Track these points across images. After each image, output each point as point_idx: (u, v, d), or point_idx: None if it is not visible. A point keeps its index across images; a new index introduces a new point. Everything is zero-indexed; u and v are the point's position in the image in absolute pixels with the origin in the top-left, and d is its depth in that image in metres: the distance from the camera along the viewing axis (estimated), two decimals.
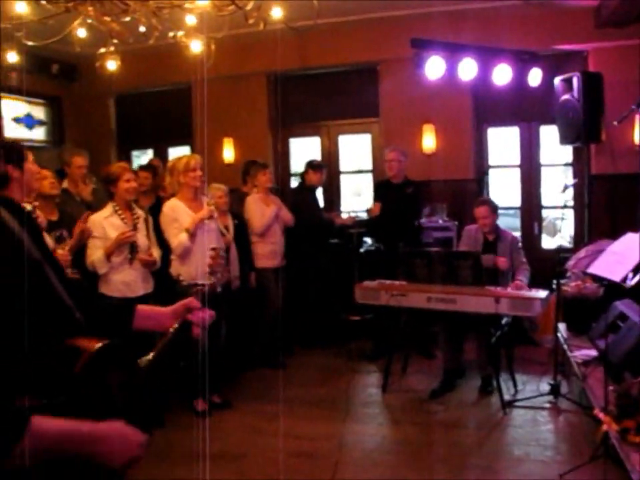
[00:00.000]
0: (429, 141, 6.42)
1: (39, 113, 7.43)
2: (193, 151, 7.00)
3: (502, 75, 5.53)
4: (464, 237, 5.04)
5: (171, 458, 3.71)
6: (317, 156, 6.91)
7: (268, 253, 5.36)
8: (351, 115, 6.94)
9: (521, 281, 4.57)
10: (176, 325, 1.65)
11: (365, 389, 4.93)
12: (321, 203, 6.38)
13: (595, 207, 5.68)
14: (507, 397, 4.37)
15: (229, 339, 4.72)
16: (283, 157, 7.25)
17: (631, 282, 3.27)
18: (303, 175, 5.98)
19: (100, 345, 1.38)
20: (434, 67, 5.45)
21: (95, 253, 3.88)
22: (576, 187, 5.66)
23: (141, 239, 4.05)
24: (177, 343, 1.63)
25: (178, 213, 4.26)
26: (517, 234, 6.44)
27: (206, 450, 3.73)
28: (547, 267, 5.90)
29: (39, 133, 7.42)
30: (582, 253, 4.92)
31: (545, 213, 6.72)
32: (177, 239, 4.19)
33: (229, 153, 7.07)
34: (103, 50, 4.01)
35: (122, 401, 1.44)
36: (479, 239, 4.88)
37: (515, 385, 4.62)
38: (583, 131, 5.18)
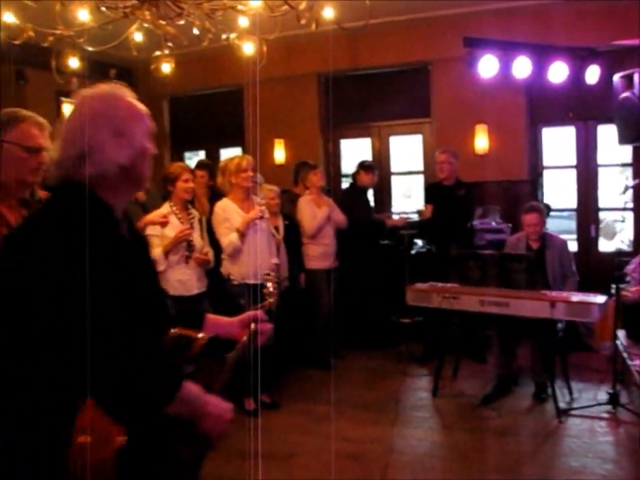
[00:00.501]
0: (481, 141, 6.31)
1: None
2: (244, 152, 7.07)
3: (558, 72, 5.40)
4: (506, 250, 4.89)
5: (220, 456, 3.74)
6: (367, 157, 6.88)
7: (319, 254, 5.36)
8: (402, 115, 6.88)
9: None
10: (250, 332, 1.83)
11: (414, 392, 4.87)
12: (372, 204, 6.34)
13: None
14: (562, 404, 4.24)
15: (278, 339, 4.73)
16: (333, 158, 7.25)
17: None
18: (354, 176, 5.96)
19: (208, 335, 1.66)
20: (487, 66, 5.36)
21: (153, 251, 3.96)
22: (636, 188, 5.46)
23: (196, 238, 4.12)
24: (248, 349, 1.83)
25: (229, 213, 4.31)
26: (572, 237, 6.27)
27: (256, 449, 3.76)
28: (605, 271, 5.72)
29: None
30: None
31: (602, 215, 6.50)
32: (228, 238, 4.24)
33: (280, 154, 7.12)
34: (157, 53, 4.08)
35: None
36: (521, 248, 4.74)
37: (571, 393, 4.47)
38: None
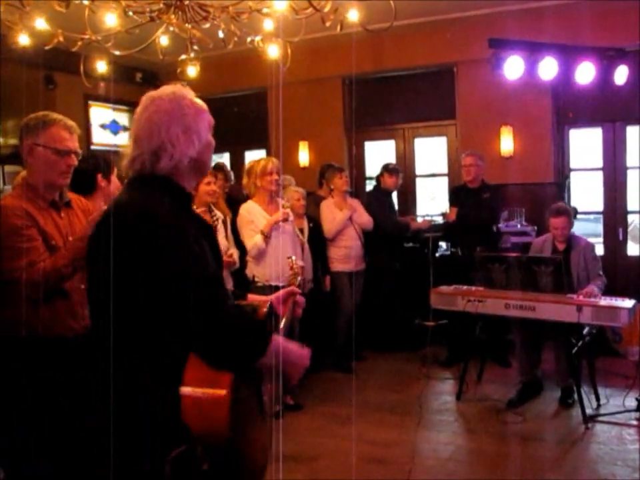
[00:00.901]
0: (507, 143, 6.25)
1: (123, 119, 7.77)
2: (268, 154, 7.10)
3: (585, 73, 5.32)
4: (531, 252, 4.83)
5: None
6: (391, 159, 6.86)
7: (341, 256, 5.36)
8: (427, 117, 6.85)
9: (592, 288, 4.32)
10: (291, 305, 2.06)
11: (438, 396, 4.83)
12: (396, 207, 6.32)
13: None
14: (589, 410, 4.16)
15: (301, 340, 4.74)
16: (357, 160, 7.25)
17: None
18: (378, 178, 5.95)
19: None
20: (513, 67, 5.31)
21: None
22: None
23: (221, 240, 4.14)
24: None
25: (254, 215, 4.33)
26: (599, 240, 6.17)
27: (279, 451, 3.77)
28: (633, 275, 5.63)
29: (123, 138, 7.75)
30: None
31: (630, 217, 6.39)
32: (252, 240, 4.26)
33: (304, 156, 7.13)
34: (183, 57, 4.12)
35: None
36: (547, 249, 4.67)
37: (598, 399, 4.40)
38: None
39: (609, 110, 6.04)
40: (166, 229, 1.54)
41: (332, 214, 5.35)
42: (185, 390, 1.51)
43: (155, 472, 1.54)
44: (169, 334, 1.52)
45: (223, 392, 1.50)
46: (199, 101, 1.83)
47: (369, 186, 6.93)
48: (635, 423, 4.06)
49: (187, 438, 1.53)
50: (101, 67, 3.78)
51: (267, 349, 1.58)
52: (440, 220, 5.95)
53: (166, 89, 1.76)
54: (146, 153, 1.66)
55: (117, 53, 3.59)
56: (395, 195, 6.24)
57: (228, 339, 1.52)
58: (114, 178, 3.06)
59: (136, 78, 7.46)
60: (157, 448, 1.55)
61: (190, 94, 1.81)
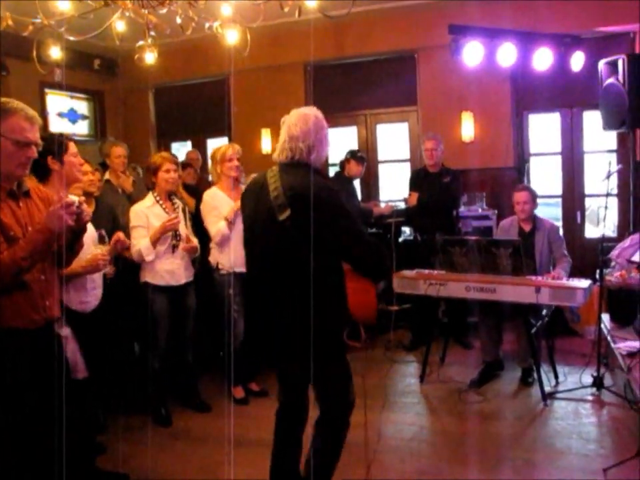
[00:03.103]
0: (467, 128, 6.33)
1: (82, 107, 7.61)
2: (230, 142, 7.05)
3: (543, 59, 5.41)
4: (498, 233, 4.95)
5: (209, 444, 3.78)
6: (354, 145, 6.88)
7: None
8: (389, 103, 6.89)
9: (560, 272, 4.45)
10: None
11: (403, 378, 4.90)
12: (358, 193, 6.35)
13: None
14: (547, 388, 4.29)
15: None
16: None
17: None
18: (342, 165, 5.94)
19: None
20: (472, 53, 5.36)
21: (140, 242, 3.94)
22: (620, 174, 5.50)
23: (181, 228, 4.11)
24: None
25: (218, 202, 4.31)
26: (559, 223, 6.30)
27: (245, 436, 3.78)
28: (590, 257, 5.78)
29: (81, 127, 7.60)
30: (627, 242, 4.80)
31: (588, 201, 6.55)
32: (216, 227, 4.24)
33: (266, 143, 7.10)
34: (141, 43, 4.06)
35: None
36: (513, 230, 4.77)
37: (556, 377, 4.53)
38: (629, 116, 5.00)
39: (567, 96, 6.16)
40: (337, 195, 2.53)
41: None
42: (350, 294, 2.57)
43: (338, 339, 2.68)
44: (339, 259, 2.57)
45: (372, 293, 3.08)
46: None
47: (332, 173, 6.93)
48: (590, 398, 4.20)
49: (353, 320, 2.76)
50: (55, 52, 3.68)
51: (391, 267, 2.68)
52: (402, 205, 6.00)
53: (313, 109, 2.77)
54: (300, 148, 2.57)
55: (72, 38, 3.50)
56: (357, 181, 6.27)
57: (375, 256, 2.54)
58: (69, 158, 2.97)
59: (94, 65, 7.31)
60: (339, 325, 2.67)
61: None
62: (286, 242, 2.48)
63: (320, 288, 2.43)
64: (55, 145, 2.89)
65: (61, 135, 3.10)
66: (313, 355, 2.50)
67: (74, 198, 2.28)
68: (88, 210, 2.40)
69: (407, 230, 6.30)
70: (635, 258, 3.86)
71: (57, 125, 7.12)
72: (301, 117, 2.65)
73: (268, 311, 2.62)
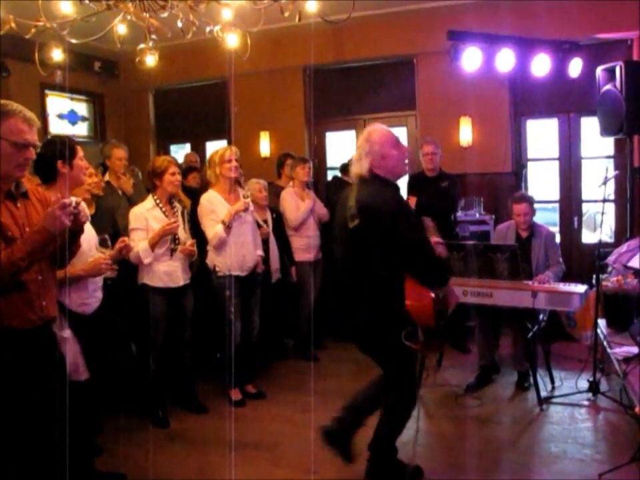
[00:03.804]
0: (465, 133, 6.36)
1: (82, 109, 7.63)
2: (229, 144, 7.07)
3: (541, 65, 5.44)
4: (495, 238, 4.97)
5: (206, 446, 3.79)
6: (352, 150, 6.89)
7: (303, 246, 5.40)
8: (387, 108, 6.91)
9: (547, 275, 4.45)
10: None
11: None
12: None
13: (638, 200, 5.54)
14: (543, 393, 4.31)
15: (265, 329, 4.77)
16: (319, 150, 7.27)
17: None
18: (345, 168, 5.93)
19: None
20: (471, 59, 5.39)
21: (139, 244, 3.96)
22: (618, 180, 5.54)
23: (180, 231, 4.13)
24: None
25: (215, 205, 4.32)
26: (556, 229, 6.33)
27: (241, 439, 3.79)
28: (587, 262, 5.80)
29: (81, 129, 7.61)
30: (623, 247, 4.82)
31: (585, 207, 6.57)
32: (213, 230, 4.26)
33: (265, 146, 7.12)
34: (142, 46, 4.07)
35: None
36: (510, 235, 4.79)
37: (552, 381, 4.55)
38: (626, 122, 5.04)
39: (565, 101, 6.19)
40: (400, 208, 2.86)
41: (295, 203, 5.37)
42: (407, 301, 2.81)
43: (397, 340, 2.86)
44: (398, 266, 2.82)
45: (430, 299, 2.82)
46: (386, 130, 3.08)
47: (330, 177, 6.96)
48: (586, 403, 4.22)
49: (412, 323, 2.83)
50: (57, 55, 3.69)
51: (449, 278, 2.98)
52: None
53: (379, 126, 3.10)
54: (367, 163, 2.95)
55: (74, 41, 3.52)
56: None
57: (432, 267, 2.88)
58: (77, 162, 2.99)
59: (95, 67, 7.33)
60: (398, 327, 2.85)
61: (383, 127, 3.11)
62: (355, 248, 2.92)
63: (380, 290, 2.83)
64: (65, 148, 2.92)
65: (69, 138, 3.13)
66: (374, 349, 3.07)
67: (72, 198, 2.29)
68: (86, 211, 2.41)
69: None
70: (631, 263, 3.88)
71: (57, 127, 7.13)
72: (366, 134, 3.03)
73: (343, 309, 3.14)
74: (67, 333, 2.72)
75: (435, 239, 3.46)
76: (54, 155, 2.91)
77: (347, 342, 5.47)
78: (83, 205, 2.40)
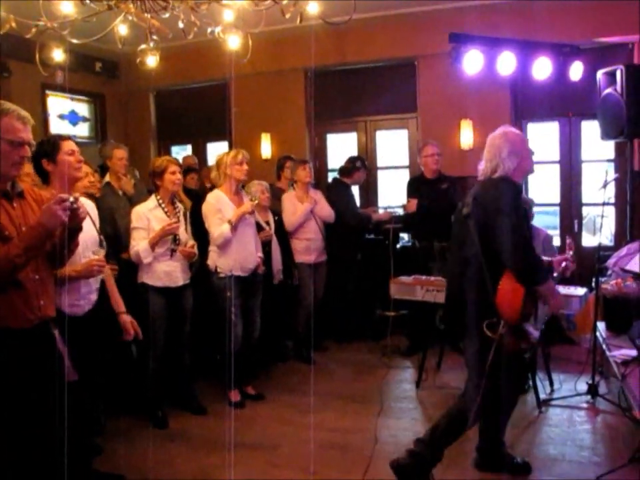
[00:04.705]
0: (466, 136, 6.36)
1: (83, 109, 7.63)
2: (230, 146, 7.08)
3: (542, 68, 5.45)
4: None
5: (205, 446, 3.79)
6: (353, 152, 6.92)
7: (302, 248, 5.40)
8: (388, 110, 6.92)
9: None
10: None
11: (399, 384, 4.92)
12: (357, 199, 6.38)
13: (638, 203, 5.54)
14: (543, 395, 4.32)
15: (265, 331, 4.77)
16: (320, 152, 7.28)
17: None
18: (344, 170, 5.94)
19: None
20: (472, 62, 5.40)
21: (140, 243, 3.97)
22: (618, 183, 5.53)
23: (181, 232, 4.13)
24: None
25: (222, 204, 4.34)
26: (556, 232, 6.33)
27: (241, 440, 3.79)
28: (588, 266, 5.79)
29: (82, 129, 7.62)
30: (623, 251, 4.82)
31: (585, 210, 6.57)
32: (219, 229, 4.27)
33: (266, 148, 7.13)
34: (143, 46, 4.08)
35: None
36: None
37: (552, 384, 4.55)
38: (627, 126, 5.05)
39: (565, 105, 6.18)
40: (509, 206, 2.86)
41: (293, 206, 5.37)
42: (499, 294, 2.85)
43: (480, 327, 2.87)
44: (499, 259, 2.85)
45: (520, 294, 2.83)
46: (523, 135, 3.26)
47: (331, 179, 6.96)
48: (585, 405, 4.22)
49: (497, 315, 2.84)
50: (58, 55, 3.69)
51: (547, 278, 2.97)
52: (401, 212, 6.02)
53: (506, 128, 3.24)
54: (489, 167, 3.09)
55: (75, 41, 3.52)
56: (356, 187, 6.30)
57: (530, 265, 2.89)
58: (62, 157, 2.96)
59: (96, 67, 7.34)
60: (485, 315, 2.86)
61: (517, 131, 3.28)
62: (463, 233, 3.06)
63: (477, 277, 2.93)
64: (46, 146, 2.91)
65: (54, 135, 3.11)
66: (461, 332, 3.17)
67: (71, 197, 2.28)
68: (84, 208, 2.41)
69: (405, 236, 6.32)
70: (630, 266, 3.88)
71: (58, 127, 7.14)
72: (490, 139, 3.19)
73: (449, 286, 3.33)
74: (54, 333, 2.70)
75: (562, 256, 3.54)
76: (38, 154, 2.91)
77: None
78: (82, 202, 2.39)
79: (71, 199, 2.26)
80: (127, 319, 3.55)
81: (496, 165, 3.05)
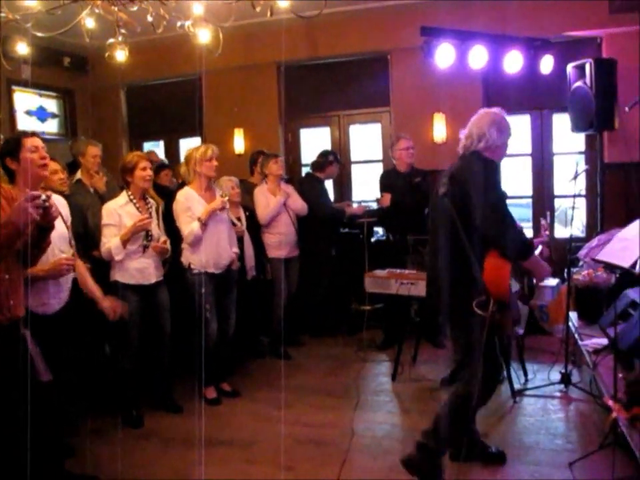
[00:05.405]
0: (439, 130, 6.39)
1: (51, 105, 7.49)
2: (203, 142, 7.01)
3: (513, 62, 5.48)
4: None
5: (181, 445, 3.75)
6: (327, 146, 6.90)
7: (275, 243, 5.37)
8: (361, 104, 6.92)
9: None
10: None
11: (375, 377, 4.93)
12: (331, 193, 6.37)
13: (608, 195, 5.63)
14: (517, 385, 4.36)
15: (240, 327, 4.74)
16: (293, 147, 7.25)
17: None
18: (316, 165, 5.92)
19: None
20: (444, 55, 5.40)
21: (111, 240, 3.91)
22: (588, 175, 5.61)
23: (154, 227, 4.08)
24: None
25: (191, 202, 4.29)
26: (529, 224, 6.40)
27: (216, 437, 3.77)
28: (560, 257, 5.86)
29: (51, 126, 7.47)
30: (594, 241, 4.88)
31: (557, 202, 6.65)
32: (189, 227, 4.22)
33: (239, 143, 7.08)
34: (111, 40, 4.01)
35: None
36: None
37: (526, 374, 4.60)
38: (596, 119, 5.12)
39: (537, 98, 6.24)
40: (489, 179, 2.83)
41: (266, 200, 5.34)
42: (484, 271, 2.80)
43: (470, 308, 2.82)
44: (482, 236, 2.80)
45: (506, 270, 2.80)
46: (505, 115, 3.16)
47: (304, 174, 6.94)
48: (558, 394, 4.28)
49: (486, 293, 2.80)
50: (22, 49, 3.61)
51: (532, 252, 2.99)
52: (374, 205, 6.03)
53: (493, 110, 3.17)
54: (472, 139, 3.04)
55: (39, 34, 3.45)
56: (330, 182, 6.29)
57: (515, 240, 2.81)
58: (25, 155, 2.87)
59: (64, 62, 7.19)
60: (473, 295, 2.81)
61: (501, 111, 3.17)
62: (442, 213, 2.97)
63: (461, 257, 2.86)
64: (9, 144, 2.83)
65: (18, 132, 3.03)
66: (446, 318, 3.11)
67: (42, 195, 2.23)
68: (57, 206, 2.36)
69: (379, 230, 6.34)
70: (600, 256, 3.93)
71: (26, 124, 6.99)
72: (476, 116, 3.17)
73: (432, 272, 3.21)
74: (25, 333, 2.65)
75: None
76: (2, 152, 2.83)
77: (322, 337, 5.52)
78: (54, 200, 2.34)
79: (43, 196, 2.22)
80: (106, 303, 3.50)
81: (481, 136, 3.01)
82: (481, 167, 2.91)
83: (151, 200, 4.21)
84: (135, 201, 4.04)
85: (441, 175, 3.14)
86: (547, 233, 3.55)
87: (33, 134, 2.88)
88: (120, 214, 3.97)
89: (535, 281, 3.20)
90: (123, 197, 4.05)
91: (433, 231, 3.18)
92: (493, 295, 2.80)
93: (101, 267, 4.00)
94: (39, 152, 2.84)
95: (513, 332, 3.85)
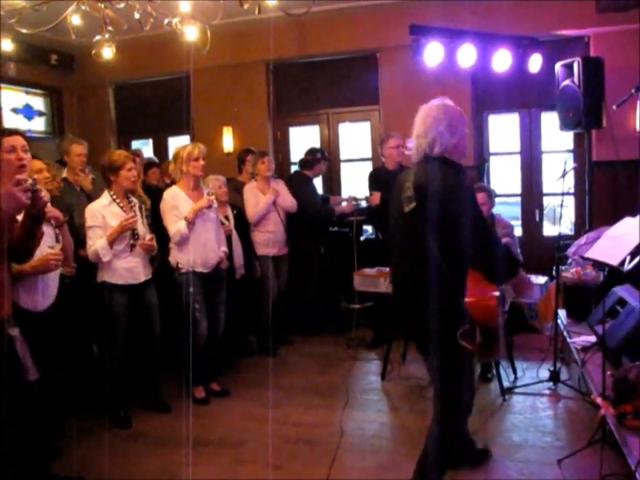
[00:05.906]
0: None
1: (38, 103, 7.42)
2: (192, 140, 6.98)
3: (502, 61, 5.49)
4: None
5: (169, 445, 3.73)
6: (316, 144, 6.88)
7: (264, 241, 5.35)
8: (350, 102, 6.90)
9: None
10: None
11: (364, 376, 4.93)
12: (319, 191, 6.36)
13: (596, 193, 5.65)
14: (506, 383, 4.37)
15: (229, 326, 4.72)
16: (282, 145, 7.23)
17: (629, 266, 3.25)
18: (304, 163, 5.90)
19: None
20: (433, 54, 5.40)
21: (97, 242, 3.87)
22: (577, 173, 5.63)
23: (139, 226, 4.05)
24: None
25: (178, 201, 4.26)
26: (518, 222, 6.42)
27: (206, 437, 3.75)
28: (549, 255, 5.89)
29: (38, 124, 7.41)
30: (583, 239, 4.89)
31: (546, 200, 6.67)
32: (176, 226, 4.19)
33: (228, 142, 7.04)
34: (98, 38, 3.98)
35: None
36: None
37: (515, 372, 4.61)
38: (584, 117, 5.14)
39: (525, 97, 6.25)
40: (460, 190, 2.54)
41: (255, 198, 5.32)
42: (468, 297, 2.50)
43: (452, 339, 2.47)
44: (463, 258, 2.50)
45: (494, 298, 2.57)
46: (459, 108, 2.75)
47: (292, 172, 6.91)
48: (547, 392, 4.30)
49: (471, 321, 2.50)
50: (7, 45, 3.57)
51: (519, 269, 2.81)
52: (364, 203, 6.02)
53: (438, 100, 2.76)
54: (426, 143, 2.64)
55: (24, 31, 3.41)
56: (319, 179, 6.28)
57: (498, 259, 2.55)
58: (1, 155, 2.78)
59: (51, 60, 7.12)
60: (456, 323, 2.48)
61: (451, 103, 2.74)
62: (413, 232, 2.59)
63: (439, 282, 2.47)
64: None
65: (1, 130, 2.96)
66: (429, 348, 2.64)
67: (29, 180, 2.18)
68: (46, 192, 2.32)
69: (368, 228, 6.32)
70: (588, 254, 3.94)
71: (12, 122, 6.92)
72: (422, 112, 2.75)
73: (401, 295, 2.78)
74: (15, 331, 2.63)
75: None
76: None
77: (311, 337, 5.51)
78: (42, 188, 2.31)
79: (30, 180, 2.18)
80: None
81: (432, 140, 2.62)
82: (450, 180, 2.53)
83: (134, 198, 4.17)
84: (118, 200, 4.00)
85: (397, 182, 2.77)
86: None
87: (15, 132, 2.82)
88: (104, 214, 3.93)
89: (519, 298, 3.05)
90: (105, 197, 4.00)
91: (401, 250, 2.73)
92: (479, 322, 2.51)
93: (89, 267, 3.97)
94: (16, 152, 2.73)
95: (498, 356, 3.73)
